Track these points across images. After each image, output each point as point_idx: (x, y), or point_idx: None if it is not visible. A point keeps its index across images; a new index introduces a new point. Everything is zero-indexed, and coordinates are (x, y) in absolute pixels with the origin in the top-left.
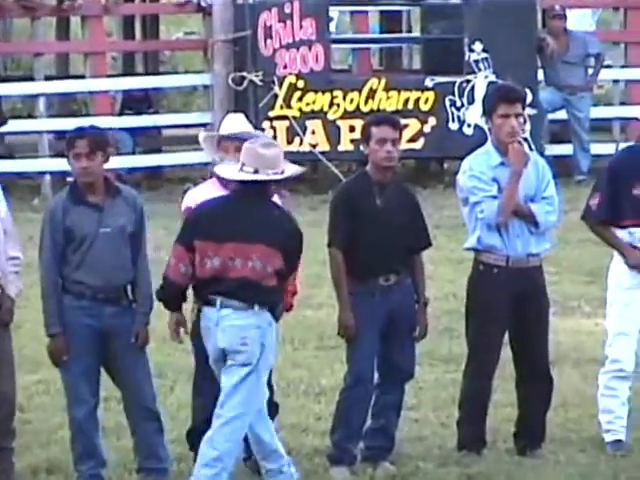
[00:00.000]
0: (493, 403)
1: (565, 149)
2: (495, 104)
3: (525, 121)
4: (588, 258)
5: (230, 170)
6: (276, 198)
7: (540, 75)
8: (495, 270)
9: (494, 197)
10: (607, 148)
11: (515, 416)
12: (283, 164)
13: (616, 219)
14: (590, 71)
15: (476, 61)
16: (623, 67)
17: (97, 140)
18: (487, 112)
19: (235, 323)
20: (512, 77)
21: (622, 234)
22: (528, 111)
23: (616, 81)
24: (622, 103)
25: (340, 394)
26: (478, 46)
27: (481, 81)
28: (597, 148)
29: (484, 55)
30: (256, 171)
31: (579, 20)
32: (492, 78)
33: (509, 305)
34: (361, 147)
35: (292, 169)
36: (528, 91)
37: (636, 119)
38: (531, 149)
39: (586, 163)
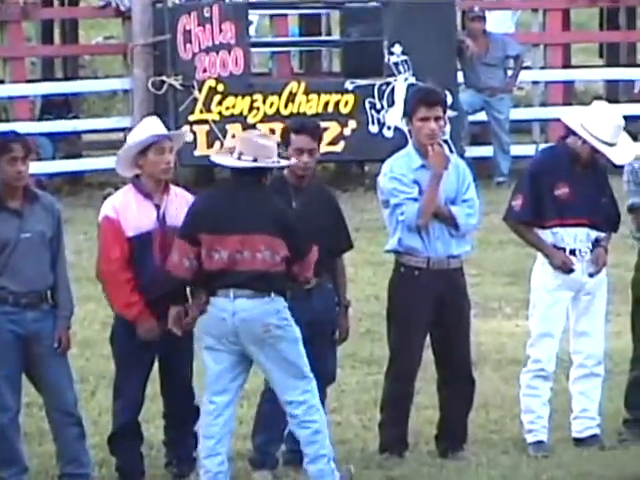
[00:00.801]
0: (415, 405)
1: (485, 151)
2: (415, 107)
3: (445, 123)
4: (509, 260)
5: (228, 159)
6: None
7: (460, 77)
8: (416, 272)
9: (415, 199)
10: (527, 149)
11: (437, 418)
12: (276, 155)
13: (539, 220)
14: (510, 73)
15: (396, 63)
16: (542, 69)
17: (29, 144)
18: (407, 115)
19: (254, 313)
20: (432, 79)
21: (545, 235)
22: (448, 113)
23: (536, 82)
24: (542, 104)
25: (261, 397)
26: (397, 48)
27: (401, 83)
28: (517, 149)
29: (404, 57)
30: (255, 159)
31: (498, 22)
32: (412, 80)
33: (430, 307)
34: (280, 150)
35: (285, 160)
36: (448, 93)
37: (557, 120)
38: (451, 151)
39: (506, 165)
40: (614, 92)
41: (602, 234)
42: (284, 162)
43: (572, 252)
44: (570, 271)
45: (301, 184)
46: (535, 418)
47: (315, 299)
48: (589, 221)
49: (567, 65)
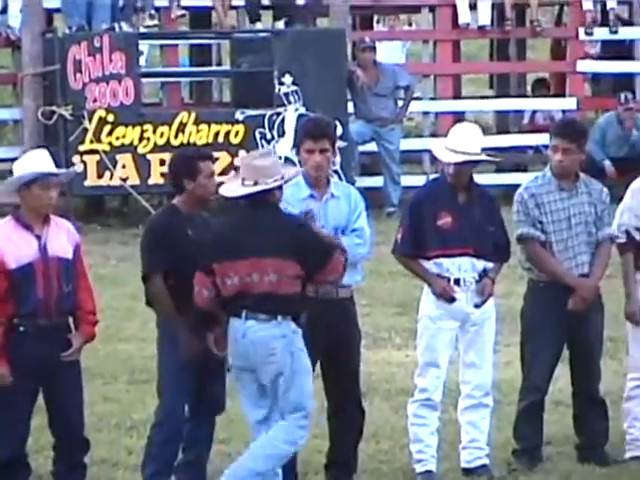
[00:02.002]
0: None
1: (376, 181)
2: (302, 139)
3: (335, 154)
4: (399, 290)
5: (233, 188)
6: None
7: (350, 107)
8: None
9: None
10: (418, 180)
11: (327, 447)
12: (282, 170)
13: (420, 251)
14: (400, 103)
15: (286, 94)
16: (433, 99)
17: None
18: (296, 146)
19: (261, 335)
20: (322, 110)
21: (429, 265)
22: (338, 144)
23: (426, 113)
24: (432, 135)
25: (151, 428)
26: (288, 79)
27: (291, 114)
28: (408, 180)
29: (294, 88)
30: (256, 183)
31: (389, 52)
32: (302, 111)
33: (320, 336)
34: (184, 183)
35: (291, 171)
36: (338, 124)
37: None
38: (342, 181)
39: (397, 195)
40: (504, 123)
41: (490, 264)
42: (287, 176)
43: (456, 282)
44: (452, 300)
45: (197, 212)
46: (423, 447)
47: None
48: (474, 251)
49: (457, 96)
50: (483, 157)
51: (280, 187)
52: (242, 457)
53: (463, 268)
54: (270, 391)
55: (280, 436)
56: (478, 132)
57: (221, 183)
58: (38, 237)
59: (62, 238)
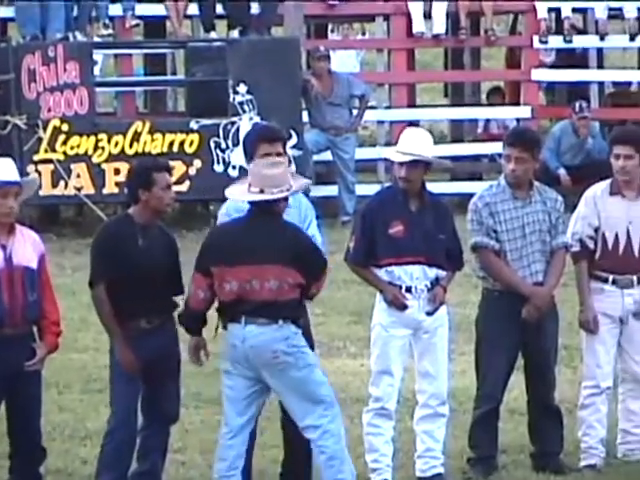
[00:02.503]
0: (259, 444)
1: (330, 190)
2: (256, 145)
3: (290, 162)
4: (353, 299)
5: (239, 192)
6: None
7: (305, 116)
8: None
9: None
10: (372, 189)
11: (282, 457)
12: (290, 181)
13: (372, 260)
14: (355, 112)
15: (241, 103)
16: (387, 108)
17: None
18: (249, 154)
19: (263, 339)
20: (277, 118)
21: (381, 274)
22: (293, 152)
23: (381, 122)
24: (387, 144)
25: (104, 437)
26: (242, 88)
27: (246, 123)
28: (362, 189)
29: (248, 97)
30: (261, 191)
31: (343, 61)
32: (257, 120)
33: None
34: (139, 193)
35: (299, 184)
36: (293, 132)
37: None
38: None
39: (351, 204)
40: (458, 131)
41: (442, 272)
42: (294, 188)
43: (408, 290)
44: (403, 307)
45: (151, 222)
46: (379, 456)
47: (156, 337)
48: (426, 259)
49: (412, 105)
50: (432, 158)
51: (285, 198)
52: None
53: (415, 276)
54: (260, 398)
55: (330, 439)
56: (428, 136)
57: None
58: (3, 247)
59: (27, 248)
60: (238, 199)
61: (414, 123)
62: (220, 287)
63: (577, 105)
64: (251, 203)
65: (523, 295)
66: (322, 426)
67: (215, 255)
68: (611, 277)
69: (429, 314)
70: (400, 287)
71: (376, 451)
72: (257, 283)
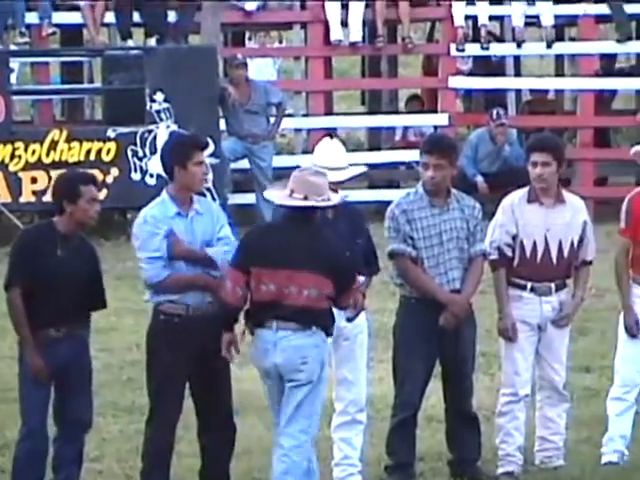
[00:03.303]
0: (177, 453)
1: (248, 198)
2: (191, 152)
3: (207, 171)
4: None
5: (280, 196)
6: None
7: (222, 124)
8: (176, 319)
9: (160, 258)
10: None
11: (199, 466)
12: (328, 192)
13: None
14: (272, 120)
15: (158, 111)
16: (305, 116)
17: None
18: (179, 161)
19: (295, 343)
20: (194, 127)
21: None
22: (211, 161)
23: (298, 130)
24: (304, 152)
25: (15, 447)
26: (160, 96)
27: (163, 131)
28: None
29: (166, 105)
30: (305, 197)
31: (260, 69)
32: (174, 128)
33: (191, 354)
34: (64, 204)
35: (336, 197)
36: (210, 141)
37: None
38: (214, 199)
39: (269, 212)
40: (376, 139)
41: (361, 278)
42: (334, 200)
43: None
44: None
45: (73, 232)
46: None
47: (65, 345)
48: None
49: (329, 112)
50: (360, 169)
51: (323, 208)
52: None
53: None
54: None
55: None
56: (341, 146)
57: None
58: None
59: None
60: (283, 204)
61: (331, 131)
62: (256, 288)
63: (494, 112)
64: (292, 208)
65: (440, 302)
66: (299, 441)
67: (257, 255)
68: (529, 284)
69: (349, 320)
70: None
71: None
72: (295, 289)
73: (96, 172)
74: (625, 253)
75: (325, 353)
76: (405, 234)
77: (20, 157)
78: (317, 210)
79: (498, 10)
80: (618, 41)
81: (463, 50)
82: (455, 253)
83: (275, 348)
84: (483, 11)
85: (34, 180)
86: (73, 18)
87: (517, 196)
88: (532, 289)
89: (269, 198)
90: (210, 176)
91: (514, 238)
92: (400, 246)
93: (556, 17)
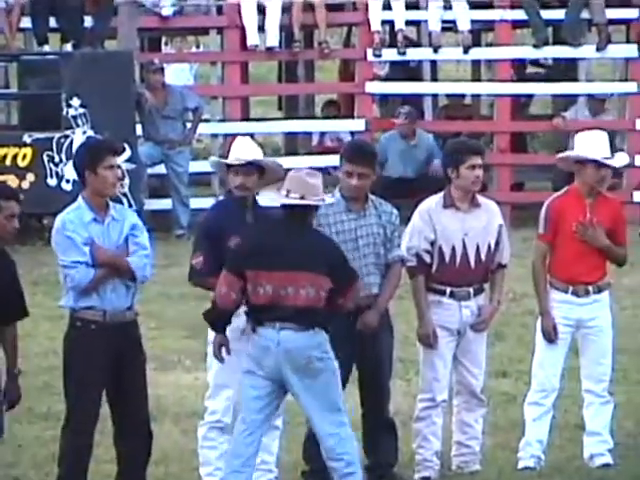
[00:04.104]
0: (94, 458)
1: (165, 203)
2: (103, 156)
3: (124, 176)
4: (189, 313)
5: (275, 197)
6: None
7: (139, 130)
8: (92, 326)
9: (86, 263)
10: (206, 202)
11: (115, 471)
12: (322, 193)
13: (218, 274)
14: (188, 125)
15: (74, 116)
16: (222, 121)
17: None
18: (91, 166)
19: (298, 344)
20: (111, 132)
21: None
22: (127, 166)
23: (215, 135)
24: (221, 157)
25: None
26: (76, 101)
27: (79, 136)
28: (197, 202)
29: (82, 110)
30: (302, 197)
31: (177, 75)
32: (90, 133)
33: (107, 360)
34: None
35: (328, 197)
36: (127, 146)
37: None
38: (130, 204)
39: (185, 217)
40: (293, 144)
41: None
42: (329, 200)
43: None
44: None
45: None
46: (213, 470)
47: None
48: None
49: (246, 118)
50: (266, 160)
51: (317, 208)
52: None
53: None
54: (278, 400)
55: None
56: (256, 145)
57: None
58: None
59: None
60: (277, 204)
61: (248, 136)
62: (254, 291)
63: (398, 110)
64: (288, 208)
65: (357, 307)
66: (339, 434)
67: (252, 258)
68: (448, 290)
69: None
70: None
71: (211, 464)
72: (292, 289)
73: (12, 177)
74: (542, 258)
75: (328, 348)
76: None
77: None
78: (312, 210)
79: (415, 15)
80: (535, 46)
81: (380, 55)
82: (371, 259)
83: (278, 347)
84: (400, 16)
85: None
86: None
87: (433, 202)
88: (451, 294)
89: (263, 201)
90: (126, 181)
91: (432, 244)
92: None
93: (473, 22)
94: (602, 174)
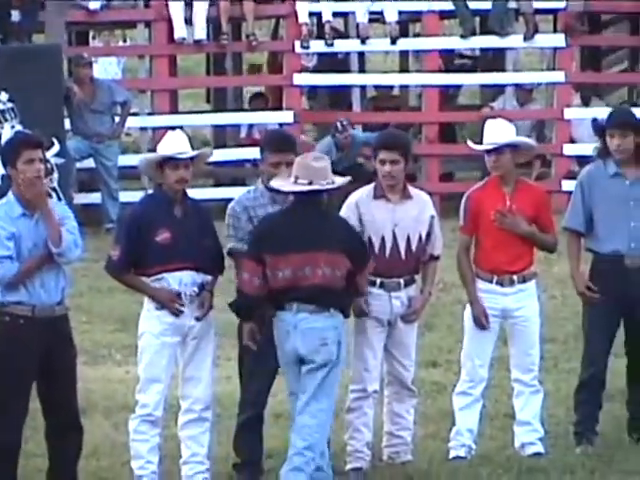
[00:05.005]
0: (24, 453)
1: (94, 198)
2: (19, 151)
3: (53, 170)
4: (118, 306)
5: (285, 183)
6: None
7: (67, 124)
8: (21, 321)
9: (10, 257)
10: (136, 196)
11: (46, 466)
12: (331, 175)
13: (141, 268)
14: (117, 119)
15: (2, 111)
16: (150, 115)
17: None
18: (10, 161)
19: (314, 325)
20: (39, 127)
21: (151, 282)
22: (56, 160)
23: (143, 129)
24: (150, 150)
25: None
26: (4, 96)
27: (8, 131)
28: (126, 196)
29: (10, 105)
30: (310, 182)
31: (105, 68)
32: (19, 128)
33: (36, 355)
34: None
35: (340, 180)
36: (55, 140)
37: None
38: (60, 199)
39: (115, 211)
40: (221, 137)
41: (208, 277)
42: (338, 182)
43: (177, 296)
44: (180, 311)
45: None
46: (144, 464)
47: None
48: (194, 264)
49: (174, 111)
50: (197, 152)
51: (328, 191)
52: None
53: (184, 282)
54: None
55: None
56: (185, 137)
57: None
58: None
59: None
60: (289, 190)
61: (177, 129)
62: (273, 275)
63: (339, 124)
64: (298, 194)
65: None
66: (320, 420)
67: (268, 243)
68: (379, 280)
69: (198, 319)
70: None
71: (142, 458)
72: (310, 269)
73: None
74: (465, 250)
75: (343, 334)
76: (245, 232)
77: None
78: (323, 194)
79: (342, 7)
80: (462, 37)
81: (308, 47)
82: None
83: (295, 330)
84: (327, 8)
85: None
86: None
87: (363, 193)
88: (381, 285)
89: (275, 187)
90: (55, 175)
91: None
92: (238, 245)
93: (400, 13)
94: (493, 160)
